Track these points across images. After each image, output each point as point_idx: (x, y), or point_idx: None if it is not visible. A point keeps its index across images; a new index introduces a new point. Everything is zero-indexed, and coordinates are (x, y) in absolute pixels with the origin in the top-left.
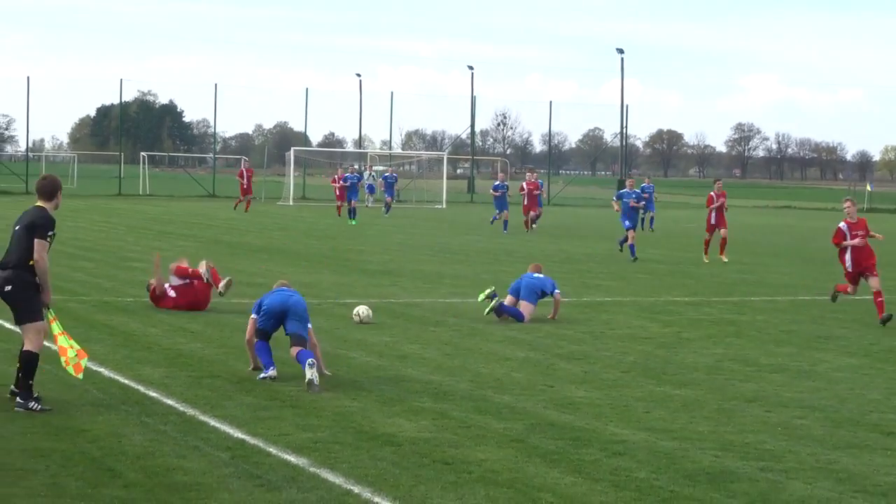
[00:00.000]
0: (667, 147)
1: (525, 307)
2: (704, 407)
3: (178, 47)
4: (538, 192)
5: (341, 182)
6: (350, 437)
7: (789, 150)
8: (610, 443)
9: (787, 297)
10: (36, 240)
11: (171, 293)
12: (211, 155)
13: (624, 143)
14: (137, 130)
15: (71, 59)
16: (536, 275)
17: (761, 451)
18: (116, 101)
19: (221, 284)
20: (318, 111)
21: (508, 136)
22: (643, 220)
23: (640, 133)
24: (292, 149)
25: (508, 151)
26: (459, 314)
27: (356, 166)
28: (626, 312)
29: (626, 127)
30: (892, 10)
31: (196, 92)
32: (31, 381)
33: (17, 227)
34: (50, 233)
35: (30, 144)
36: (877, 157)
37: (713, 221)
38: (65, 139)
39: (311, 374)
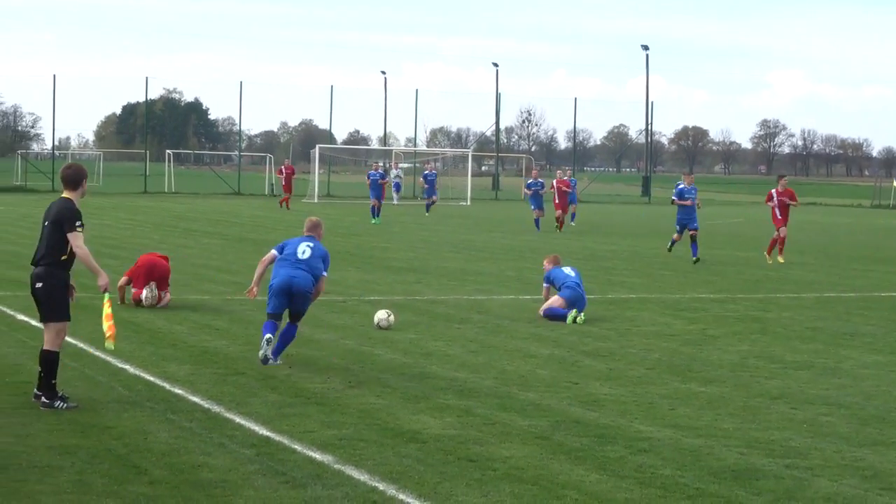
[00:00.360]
0: (692, 144)
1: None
2: (730, 404)
3: (203, 45)
4: (569, 189)
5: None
6: (375, 434)
7: (815, 146)
8: (635, 440)
9: (813, 294)
10: (69, 234)
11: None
12: (236, 153)
13: (649, 139)
14: (163, 128)
15: (97, 58)
16: (568, 271)
17: (787, 449)
18: (142, 99)
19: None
20: (343, 109)
21: (533, 133)
22: None
23: (665, 130)
24: (317, 146)
25: (533, 148)
26: (484, 311)
27: (381, 164)
28: (652, 309)
29: (651, 123)
30: None
31: (221, 89)
32: (53, 381)
33: (46, 223)
34: (78, 223)
35: (56, 143)
36: None
37: (779, 216)
38: (90, 137)
39: (263, 351)
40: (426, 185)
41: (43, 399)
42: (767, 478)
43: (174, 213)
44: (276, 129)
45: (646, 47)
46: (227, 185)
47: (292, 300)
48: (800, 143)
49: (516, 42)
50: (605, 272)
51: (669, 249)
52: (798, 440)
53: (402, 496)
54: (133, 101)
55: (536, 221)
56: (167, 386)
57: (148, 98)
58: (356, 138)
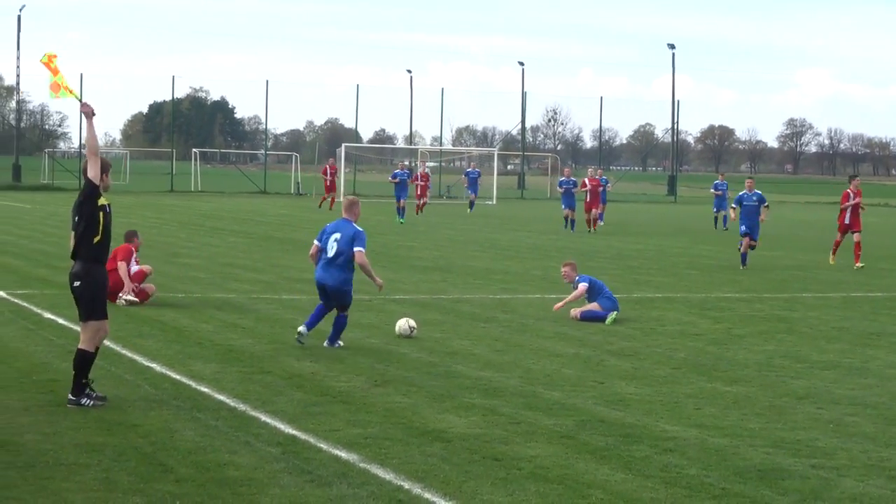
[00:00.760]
0: (718, 143)
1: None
2: (755, 404)
3: (229, 44)
4: (601, 188)
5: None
6: (400, 433)
7: (842, 145)
8: (660, 439)
9: (839, 294)
10: (90, 181)
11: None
12: (262, 151)
13: (675, 138)
14: (189, 127)
15: (124, 57)
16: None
17: (813, 449)
18: (169, 98)
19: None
20: (369, 107)
21: (559, 132)
22: (716, 218)
23: (692, 129)
24: (343, 145)
25: (559, 147)
26: (509, 310)
27: (406, 163)
28: (677, 309)
29: (677, 122)
30: None
31: (247, 88)
32: (84, 380)
33: (75, 218)
34: (101, 203)
35: (82, 142)
36: None
37: (847, 222)
38: (117, 136)
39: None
40: (467, 184)
41: (70, 396)
42: (793, 478)
43: (200, 212)
44: (302, 128)
45: (672, 46)
46: (253, 183)
47: (329, 298)
48: (826, 142)
49: (542, 41)
50: (630, 271)
51: (744, 263)
52: (824, 440)
53: (427, 495)
54: (160, 99)
55: (568, 221)
56: (193, 384)
57: (174, 97)
58: (382, 137)
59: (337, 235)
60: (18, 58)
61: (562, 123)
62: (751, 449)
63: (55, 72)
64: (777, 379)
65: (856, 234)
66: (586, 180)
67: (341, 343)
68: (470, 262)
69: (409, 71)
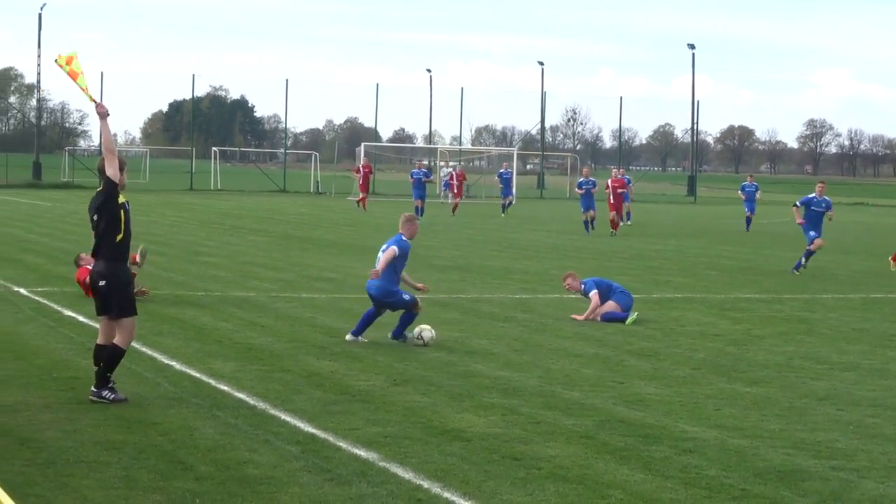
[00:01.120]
0: (737, 143)
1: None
2: (775, 405)
3: (249, 43)
4: (623, 189)
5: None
6: (419, 432)
7: (862, 146)
8: (680, 440)
9: (860, 295)
10: (110, 180)
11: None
12: (282, 150)
13: (695, 138)
14: (209, 125)
15: (144, 55)
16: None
17: (833, 450)
18: (188, 97)
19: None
20: (389, 107)
21: (578, 132)
22: (748, 220)
23: (711, 129)
24: (363, 144)
25: (578, 147)
26: (528, 310)
27: (425, 162)
28: (697, 309)
29: (697, 123)
30: None
31: (267, 87)
32: (109, 374)
33: (94, 217)
34: (121, 201)
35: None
36: None
37: None
38: (137, 134)
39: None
40: (501, 185)
41: (92, 388)
42: (813, 479)
43: (220, 211)
44: (321, 127)
45: (692, 46)
46: (272, 182)
47: (380, 305)
48: (846, 143)
49: (562, 41)
50: (650, 272)
51: (805, 266)
52: (844, 441)
53: (446, 494)
54: (180, 98)
55: (586, 223)
56: (213, 382)
57: (194, 95)
58: (401, 136)
59: (384, 247)
60: (39, 56)
61: (581, 123)
62: (771, 450)
63: (74, 75)
64: (797, 380)
65: None
66: (609, 181)
67: (407, 336)
68: (489, 262)
69: (429, 70)
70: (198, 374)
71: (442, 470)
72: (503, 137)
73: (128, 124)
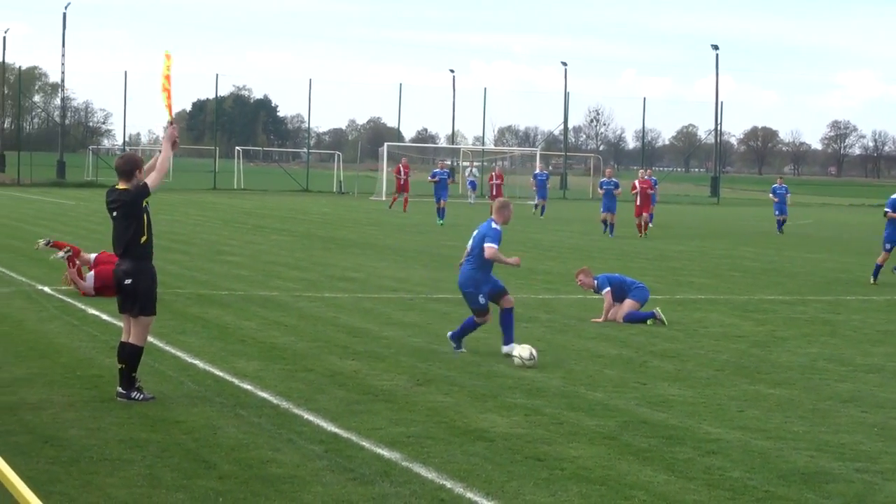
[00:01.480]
0: (761, 144)
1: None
2: (799, 407)
3: (273, 43)
4: (652, 191)
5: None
6: (442, 432)
7: (886, 147)
8: (703, 441)
9: (884, 297)
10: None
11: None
12: (305, 150)
13: (718, 140)
14: (232, 125)
15: None
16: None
17: (857, 452)
18: (212, 96)
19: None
20: (412, 107)
21: (601, 133)
22: (778, 222)
23: (735, 130)
24: (385, 144)
25: (601, 148)
26: (551, 310)
27: (448, 162)
28: (720, 310)
29: (721, 124)
30: None
31: (290, 87)
32: (133, 374)
33: (114, 214)
34: (144, 203)
35: (126, 139)
36: None
37: None
38: (161, 133)
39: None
40: (536, 187)
41: (119, 389)
42: (837, 481)
43: (243, 210)
44: (344, 127)
45: (715, 47)
46: (295, 182)
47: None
48: (870, 144)
49: (585, 41)
50: (673, 273)
51: (876, 277)
52: (868, 444)
53: (469, 494)
54: (203, 97)
55: (607, 225)
56: (236, 381)
57: (218, 95)
58: (424, 136)
59: (475, 233)
60: (63, 55)
61: (604, 124)
62: (794, 452)
63: (168, 79)
64: (821, 382)
65: None
66: (636, 182)
67: (462, 349)
68: None
69: (452, 70)
70: (221, 373)
71: (465, 470)
72: (526, 138)
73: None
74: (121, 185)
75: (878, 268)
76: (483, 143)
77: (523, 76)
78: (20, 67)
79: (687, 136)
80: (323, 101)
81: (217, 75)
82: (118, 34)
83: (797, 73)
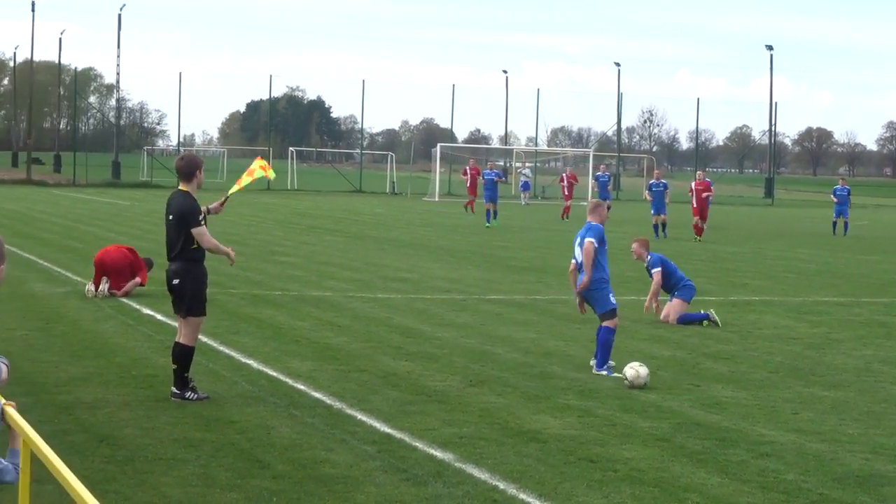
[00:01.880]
0: (816, 145)
1: (679, 306)
2: (854, 409)
3: (327, 43)
4: (709, 193)
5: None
6: (495, 433)
7: None
8: (757, 444)
9: None
10: (193, 231)
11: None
12: (358, 151)
13: (772, 140)
14: (286, 126)
15: (222, 56)
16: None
17: None
18: (266, 97)
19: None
20: (465, 107)
21: (655, 134)
22: (835, 224)
23: (789, 131)
24: (438, 145)
25: (654, 149)
26: None
27: (501, 163)
28: (774, 312)
29: (775, 124)
30: None
31: (344, 87)
32: (186, 374)
33: (169, 217)
34: (200, 218)
35: (181, 139)
36: None
37: None
38: (215, 134)
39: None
40: (598, 189)
41: (173, 389)
42: (892, 484)
43: (297, 211)
44: (397, 128)
45: (770, 47)
46: (348, 182)
47: (589, 301)
48: None
49: (639, 41)
50: (727, 274)
51: None
52: None
53: (522, 496)
54: (257, 98)
55: (655, 227)
56: (290, 381)
57: (272, 96)
58: (477, 137)
59: (577, 238)
60: (119, 56)
61: (657, 125)
62: (849, 454)
63: (251, 173)
64: (876, 384)
65: None
66: (693, 185)
67: (611, 369)
68: (565, 264)
69: (505, 71)
70: (275, 373)
71: (518, 471)
72: (579, 138)
73: (206, 124)
74: (182, 187)
75: None
76: (536, 144)
77: (576, 76)
78: (76, 68)
79: (741, 137)
80: (376, 102)
81: (271, 76)
82: (173, 35)
83: (852, 74)
